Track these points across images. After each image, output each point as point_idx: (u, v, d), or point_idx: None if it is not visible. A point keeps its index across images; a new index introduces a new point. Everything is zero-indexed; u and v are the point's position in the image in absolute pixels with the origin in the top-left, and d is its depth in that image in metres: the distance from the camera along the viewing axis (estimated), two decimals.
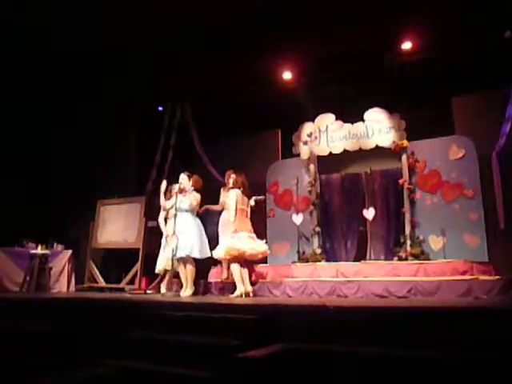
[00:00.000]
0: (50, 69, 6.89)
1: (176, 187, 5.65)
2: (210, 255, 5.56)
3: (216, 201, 6.33)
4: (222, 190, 6.30)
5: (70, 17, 5.91)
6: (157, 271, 5.92)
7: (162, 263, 5.76)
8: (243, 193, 5.55)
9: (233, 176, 5.67)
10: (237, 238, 5.29)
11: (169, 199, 5.73)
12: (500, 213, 5.71)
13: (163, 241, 5.80)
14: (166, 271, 5.83)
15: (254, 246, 5.35)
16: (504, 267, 5.26)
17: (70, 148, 7.86)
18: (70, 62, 6.77)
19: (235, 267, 5.27)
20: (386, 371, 2.14)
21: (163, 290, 5.86)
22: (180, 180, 5.66)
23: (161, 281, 6.33)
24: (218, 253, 5.42)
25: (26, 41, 6.31)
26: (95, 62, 6.85)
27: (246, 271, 5.37)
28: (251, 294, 5.23)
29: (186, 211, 5.52)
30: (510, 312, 3.02)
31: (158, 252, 5.96)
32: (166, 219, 5.90)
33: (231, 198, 5.44)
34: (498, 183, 5.78)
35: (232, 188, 5.55)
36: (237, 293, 5.21)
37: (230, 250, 5.27)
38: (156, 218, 6.76)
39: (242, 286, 5.22)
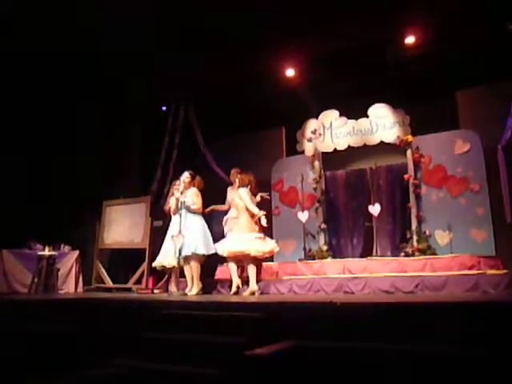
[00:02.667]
0: (52, 68, 6.89)
1: (180, 187, 5.65)
2: (214, 251, 5.57)
3: (220, 199, 6.36)
4: (229, 189, 6.31)
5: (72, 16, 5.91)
6: (153, 265, 5.87)
7: (163, 260, 5.72)
8: (251, 191, 5.57)
9: (238, 176, 5.70)
10: (245, 239, 5.30)
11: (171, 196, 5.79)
12: (506, 206, 5.67)
13: (167, 237, 5.78)
14: (171, 270, 5.82)
15: (260, 247, 5.34)
16: (511, 261, 5.23)
17: (74, 149, 7.89)
18: (73, 61, 6.78)
19: (232, 266, 5.38)
20: (394, 367, 2.13)
21: (174, 289, 5.83)
22: (184, 178, 5.65)
23: (168, 280, 6.35)
24: (222, 250, 5.45)
25: (31, 41, 6.32)
26: (98, 63, 6.85)
27: (253, 269, 5.38)
28: (256, 293, 5.25)
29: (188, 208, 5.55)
30: None
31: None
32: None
33: (243, 196, 5.43)
34: (504, 177, 5.74)
35: (240, 187, 5.56)
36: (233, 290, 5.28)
37: (234, 251, 5.31)
38: (161, 218, 6.80)
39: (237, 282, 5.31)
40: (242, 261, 5.47)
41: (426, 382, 2.13)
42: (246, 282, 5.42)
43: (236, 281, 5.36)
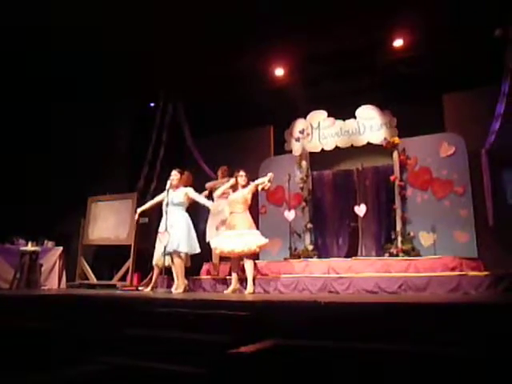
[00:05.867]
0: (42, 67, 6.83)
1: (167, 184, 5.66)
2: (198, 251, 5.59)
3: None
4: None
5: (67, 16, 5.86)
6: (154, 264, 5.93)
7: (156, 258, 5.79)
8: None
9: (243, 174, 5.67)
10: (237, 236, 5.32)
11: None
12: (489, 209, 5.77)
13: (158, 235, 5.80)
14: (157, 267, 5.85)
15: (250, 244, 5.35)
16: (492, 263, 5.32)
17: (60, 144, 7.79)
18: (63, 60, 6.71)
19: (248, 263, 5.35)
20: (376, 366, 2.16)
21: (149, 287, 5.86)
22: (172, 176, 5.68)
23: (152, 277, 6.33)
24: (214, 246, 5.51)
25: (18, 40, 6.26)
26: (88, 60, 6.79)
27: (239, 266, 5.41)
28: (238, 291, 5.28)
29: (177, 205, 5.56)
30: (498, 307, 3.07)
31: (150, 248, 5.99)
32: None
33: (251, 193, 5.52)
34: (487, 180, 5.84)
35: (244, 186, 5.57)
36: (249, 290, 5.27)
37: (222, 248, 5.33)
38: (147, 215, 6.76)
39: (253, 286, 5.30)
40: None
41: (411, 381, 2.16)
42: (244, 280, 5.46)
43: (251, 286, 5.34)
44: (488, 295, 4.52)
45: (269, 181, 5.55)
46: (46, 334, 3.01)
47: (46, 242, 6.98)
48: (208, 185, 6.52)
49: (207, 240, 6.03)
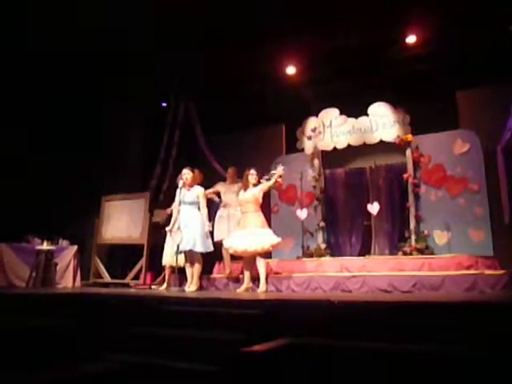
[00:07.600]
0: (53, 68, 6.90)
1: (180, 182, 5.68)
2: (212, 249, 5.61)
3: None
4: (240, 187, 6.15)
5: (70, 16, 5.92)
6: (163, 264, 6.08)
7: (167, 257, 5.90)
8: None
9: (254, 173, 5.64)
10: (250, 235, 5.32)
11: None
12: (505, 207, 5.67)
13: (168, 234, 5.88)
14: (170, 266, 5.93)
15: (264, 243, 5.34)
16: (509, 261, 5.23)
17: (74, 144, 7.87)
18: (73, 60, 6.78)
19: (261, 262, 5.33)
20: (390, 366, 2.14)
21: (164, 285, 5.96)
22: (185, 175, 5.68)
23: (165, 276, 6.40)
24: (232, 248, 5.50)
25: (29, 41, 6.35)
26: (98, 60, 6.85)
27: (252, 265, 5.42)
28: (251, 290, 5.29)
29: (190, 204, 5.57)
30: None
31: (163, 247, 6.06)
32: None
33: (262, 192, 5.52)
34: (503, 178, 5.74)
35: (255, 185, 5.57)
36: (262, 288, 5.26)
37: (235, 247, 5.35)
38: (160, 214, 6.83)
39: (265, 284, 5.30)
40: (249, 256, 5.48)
41: (423, 381, 2.14)
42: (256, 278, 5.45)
43: (264, 285, 5.33)
44: (505, 294, 4.45)
45: (279, 176, 5.51)
46: (60, 331, 3.04)
47: (60, 241, 7.07)
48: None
49: (215, 239, 6.03)
